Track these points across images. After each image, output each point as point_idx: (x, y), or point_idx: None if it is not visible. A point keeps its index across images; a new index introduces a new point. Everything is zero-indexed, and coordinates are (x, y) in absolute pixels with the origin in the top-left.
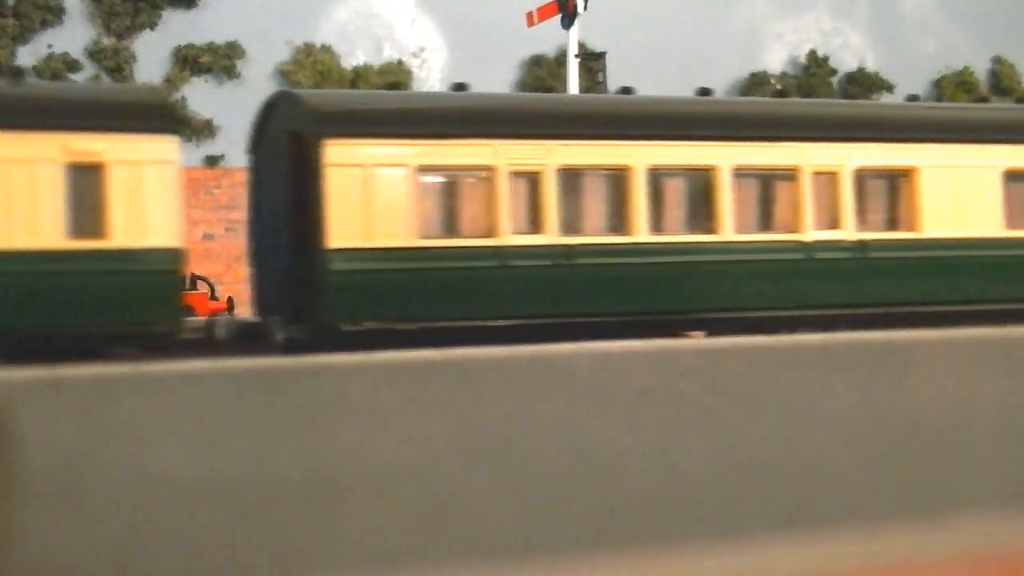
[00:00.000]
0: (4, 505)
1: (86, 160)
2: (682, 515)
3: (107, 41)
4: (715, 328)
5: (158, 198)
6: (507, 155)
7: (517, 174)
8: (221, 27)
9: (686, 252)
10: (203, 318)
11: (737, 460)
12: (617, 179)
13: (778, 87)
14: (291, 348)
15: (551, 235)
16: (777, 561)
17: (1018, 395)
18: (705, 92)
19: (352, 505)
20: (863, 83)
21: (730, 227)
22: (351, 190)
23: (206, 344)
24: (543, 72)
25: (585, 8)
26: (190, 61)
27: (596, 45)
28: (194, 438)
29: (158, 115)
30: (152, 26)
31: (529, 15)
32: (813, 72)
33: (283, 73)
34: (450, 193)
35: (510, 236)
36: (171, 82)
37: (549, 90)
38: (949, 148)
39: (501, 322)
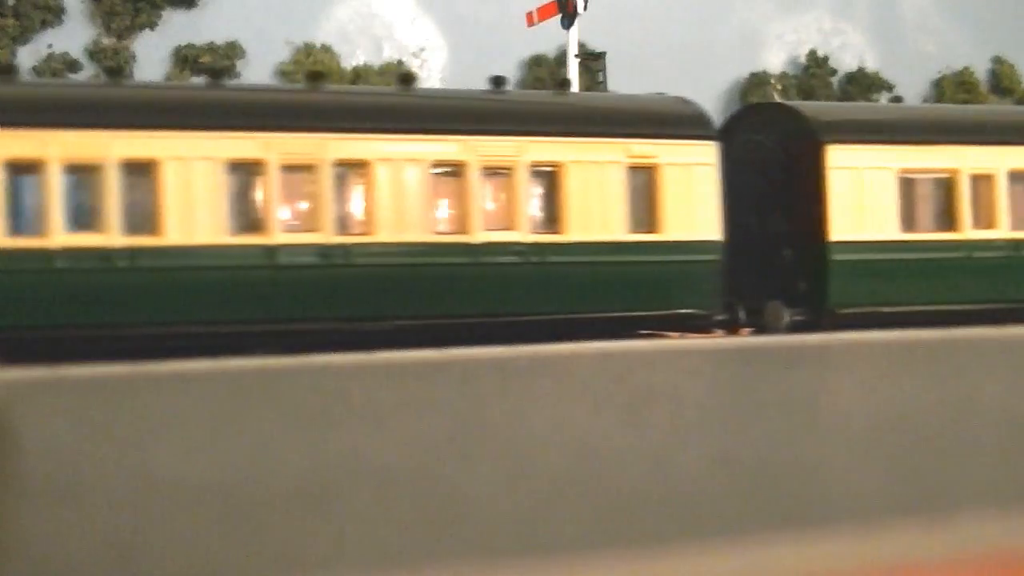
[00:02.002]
0: (4, 505)
1: (643, 163)
2: (682, 515)
3: (107, 41)
4: None
5: (702, 196)
6: (968, 160)
7: (976, 177)
8: (221, 27)
9: None
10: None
11: (737, 460)
12: None
13: (778, 88)
14: (794, 330)
15: (1003, 230)
16: (777, 561)
17: (1018, 395)
18: None
19: (352, 505)
20: (863, 83)
21: None
22: (847, 189)
23: (729, 326)
24: (543, 72)
25: (585, 8)
26: (190, 61)
27: (596, 45)
28: (194, 438)
29: (701, 124)
30: (152, 26)
31: (529, 15)
32: (813, 72)
33: (283, 73)
34: (922, 192)
35: (971, 231)
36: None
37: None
38: None
39: (963, 307)
